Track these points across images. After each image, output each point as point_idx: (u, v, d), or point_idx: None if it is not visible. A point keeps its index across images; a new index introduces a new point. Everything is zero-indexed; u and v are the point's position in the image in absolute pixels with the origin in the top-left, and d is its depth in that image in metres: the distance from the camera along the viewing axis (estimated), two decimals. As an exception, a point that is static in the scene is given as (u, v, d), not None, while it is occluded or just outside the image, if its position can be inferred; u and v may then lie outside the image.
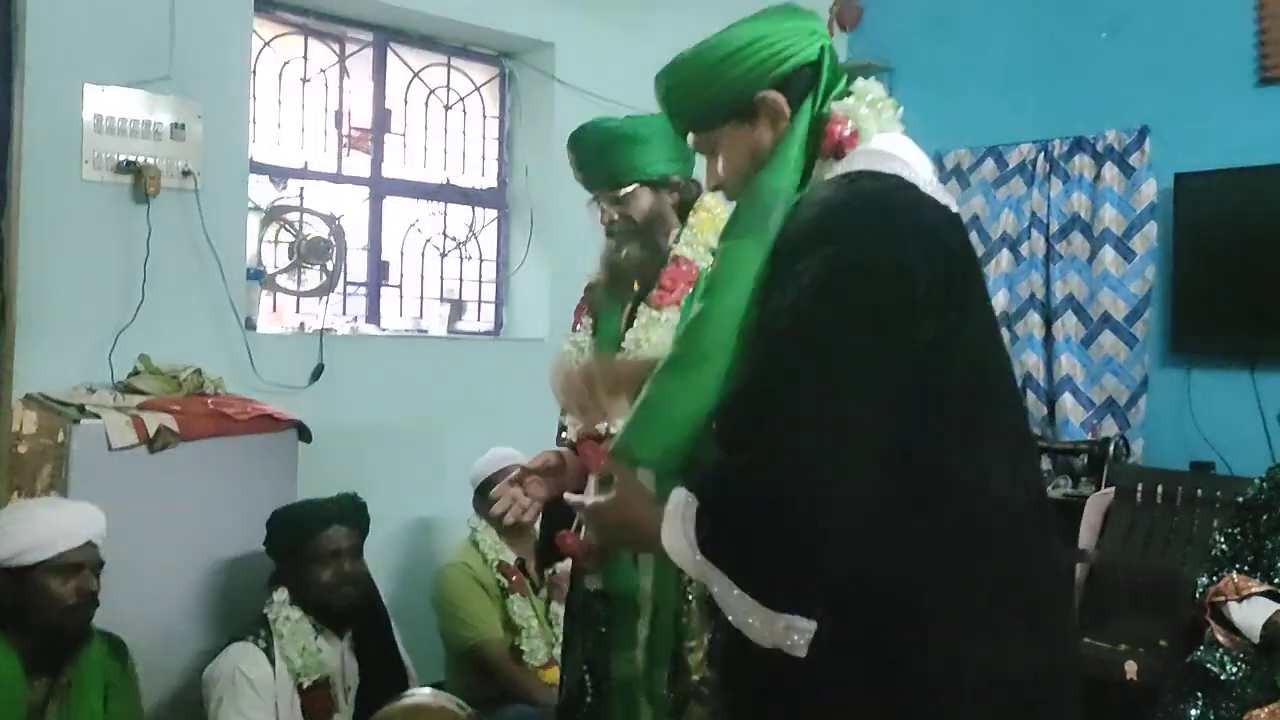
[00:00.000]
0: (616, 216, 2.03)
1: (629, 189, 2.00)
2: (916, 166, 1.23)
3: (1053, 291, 3.89)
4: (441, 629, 2.93)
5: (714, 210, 2.04)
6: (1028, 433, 1.37)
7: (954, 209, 1.25)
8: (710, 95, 1.32)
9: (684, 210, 2.05)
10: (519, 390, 3.63)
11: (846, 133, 1.26)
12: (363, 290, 3.60)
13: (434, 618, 2.96)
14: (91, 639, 2.12)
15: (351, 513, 2.54)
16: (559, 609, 2.94)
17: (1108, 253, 3.74)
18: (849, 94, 1.29)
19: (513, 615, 2.88)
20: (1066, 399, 3.79)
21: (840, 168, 1.23)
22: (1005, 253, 4.01)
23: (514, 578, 2.91)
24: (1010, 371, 1.28)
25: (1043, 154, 3.95)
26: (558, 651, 2.89)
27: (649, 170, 2.01)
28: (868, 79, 1.32)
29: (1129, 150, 3.72)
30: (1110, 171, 3.75)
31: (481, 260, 3.88)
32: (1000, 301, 4.00)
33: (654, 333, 1.95)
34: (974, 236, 4.13)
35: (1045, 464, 3.67)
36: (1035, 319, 3.92)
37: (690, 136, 1.39)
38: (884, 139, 1.26)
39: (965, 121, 4.25)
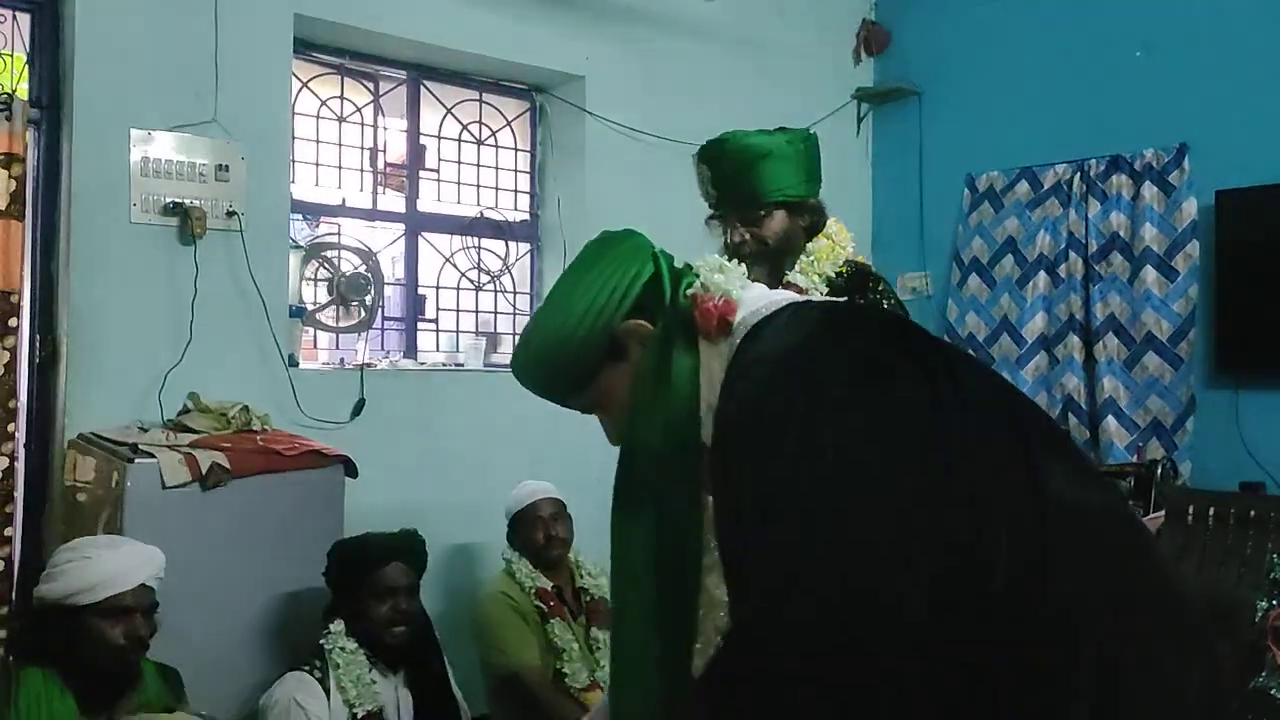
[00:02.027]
0: (748, 237, 1.94)
1: (766, 210, 1.91)
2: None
3: (1093, 313, 3.85)
4: (482, 658, 2.93)
5: (835, 238, 1.97)
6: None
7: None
8: (573, 361, 1.23)
9: (811, 235, 1.97)
10: (553, 421, 3.61)
11: (719, 302, 1.17)
12: (400, 325, 3.62)
13: (476, 648, 2.95)
14: (144, 675, 2.13)
15: (411, 550, 2.56)
16: (599, 634, 2.94)
17: (1149, 273, 3.71)
18: (695, 277, 1.23)
19: (554, 639, 2.87)
20: (1110, 421, 3.74)
21: (737, 337, 1.13)
22: (1042, 274, 3.99)
23: (552, 603, 2.92)
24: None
25: (1079, 174, 3.93)
26: (601, 674, 2.88)
27: (788, 191, 1.92)
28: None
29: (1168, 168, 3.70)
30: (1150, 190, 3.73)
31: (515, 293, 3.90)
32: (1039, 324, 3.98)
33: None
34: (1010, 258, 4.12)
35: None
36: (1075, 341, 3.88)
37: (573, 402, 1.31)
38: (749, 292, 1.20)
39: (996, 143, 4.25)
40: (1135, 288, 3.75)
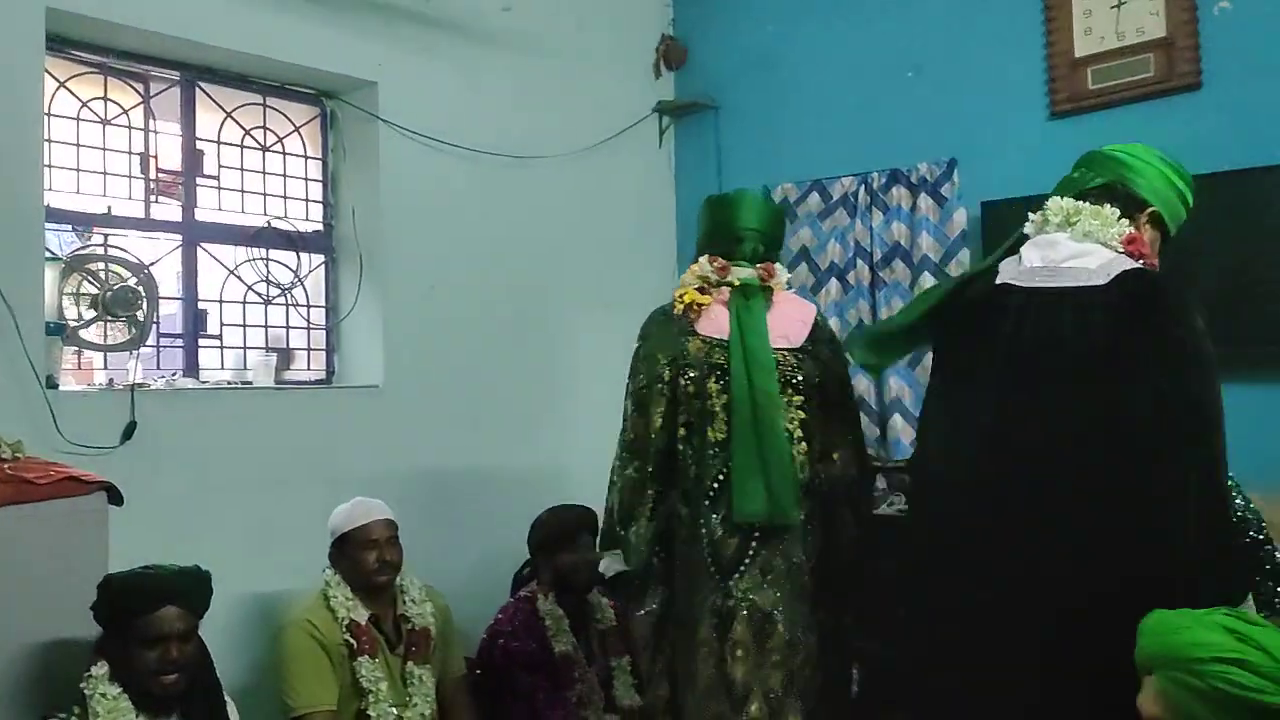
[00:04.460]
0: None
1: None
2: None
3: (879, 317, 4.04)
4: (279, 690, 2.77)
5: None
6: None
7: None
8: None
9: None
10: (354, 439, 3.52)
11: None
12: (180, 342, 3.40)
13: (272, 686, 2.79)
14: None
15: (190, 591, 2.34)
16: (416, 668, 2.83)
17: (927, 279, 3.92)
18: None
19: (360, 678, 2.74)
20: (896, 419, 3.93)
21: None
22: (834, 282, 4.16)
23: (364, 638, 2.78)
24: None
25: (864, 186, 4.13)
26: (410, 714, 2.77)
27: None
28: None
29: (940, 181, 3.93)
30: (925, 202, 3.95)
31: (309, 306, 3.74)
32: (832, 329, 4.13)
33: None
34: (804, 266, 4.28)
35: (880, 482, 3.78)
36: (864, 345, 4.06)
37: None
38: None
39: (789, 156, 4.41)
40: (915, 293, 3.96)
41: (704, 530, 2.43)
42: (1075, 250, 1.92)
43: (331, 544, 2.91)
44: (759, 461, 2.36)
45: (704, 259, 2.61)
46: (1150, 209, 2.01)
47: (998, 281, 2.00)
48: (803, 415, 2.48)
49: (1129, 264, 1.88)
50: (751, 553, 2.40)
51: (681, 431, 2.52)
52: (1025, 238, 2.06)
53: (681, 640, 2.48)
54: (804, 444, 2.47)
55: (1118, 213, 1.96)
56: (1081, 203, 1.98)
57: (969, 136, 3.88)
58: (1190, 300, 1.85)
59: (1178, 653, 1.43)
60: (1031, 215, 2.02)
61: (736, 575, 2.40)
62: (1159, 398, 1.75)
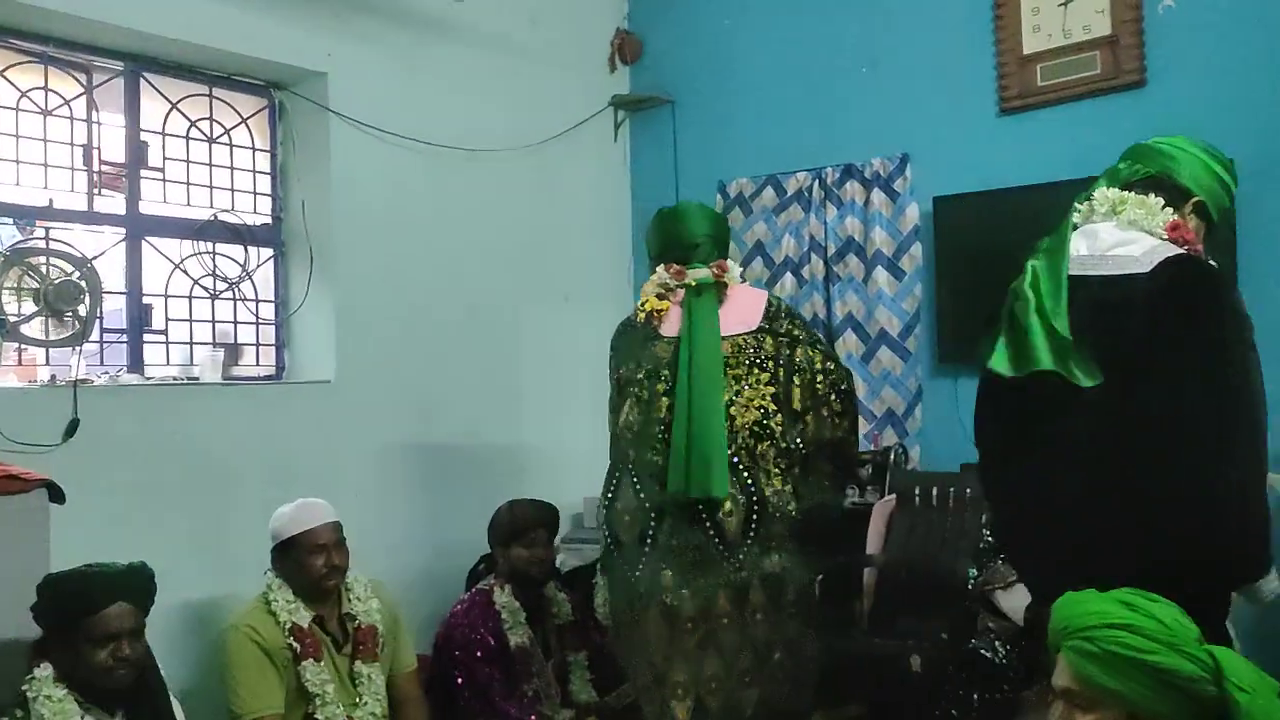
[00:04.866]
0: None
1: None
2: None
3: (834, 311, 4.07)
4: (226, 696, 2.72)
5: None
6: None
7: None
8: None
9: None
10: (305, 435, 3.47)
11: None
12: (124, 338, 3.33)
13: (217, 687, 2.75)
14: None
15: (138, 588, 2.31)
16: (364, 668, 2.80)
17: (881, 273, 3.96)
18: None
19: (305, 683, 2.70)
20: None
21: None
22: (789, 276, 4.18)
23: (307, 641, 2.73)
24: None
25: (818, 181, 4.15)
26: (359, 713, 2.75)
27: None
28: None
29: (893, 176, 3.97)
30: (878, 197, 3.98)
31: (258, 301, 3.68)
32: (785, 323, 4.16)
33: None
34: (759, 262, 4.29)
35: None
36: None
37: None
38: None
39: (745, 151, 4.42)
40: (869, 288, 4.00)
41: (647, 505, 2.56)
42: (1120, 239, 1.97)
43: (274, 548, 2.83)
44: (686, 438, 2.45)
45: (660, 268, 2.74)
46: (1195, 199, 2.06)
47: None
48: (772, 389, 2.57)
49: (1173, 250, 1.93)
50: (666, 528, 2.51)
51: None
52: (1075, 227, 2.10)
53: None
54: (778, 415, 2.56)
55: (1162, 202, 2.02)
56: (1127, 192, 2.03)
57: (921, 132, 3.92)
58: (1229, 286, 1.93)
59: (1076, 623, 1.52)
60: (1078, 205, 2.07)
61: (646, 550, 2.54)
62: (1198, 382, 1.80)
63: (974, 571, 2.77)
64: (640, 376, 2.63)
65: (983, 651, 2.58)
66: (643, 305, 2.73)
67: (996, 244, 3.70)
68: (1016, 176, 3.62)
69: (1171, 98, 3.38)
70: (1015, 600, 2.61)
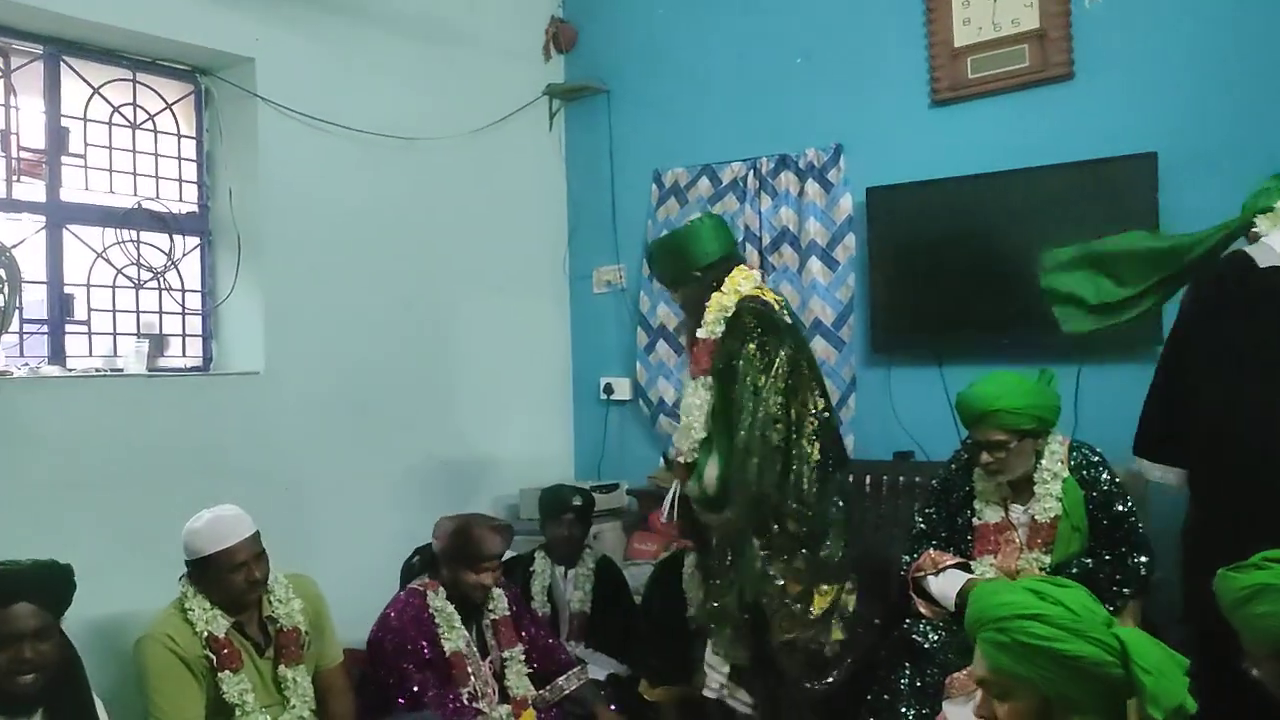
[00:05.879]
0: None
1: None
2: None
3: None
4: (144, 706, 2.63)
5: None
6: None
7: None
8: None
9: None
10: (233, 428, 3.40)
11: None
12: (45, 329, 3.23)
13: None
14: None
15: (45, 586, 2.20)
16: (288, 671, 2.72)
17: (815, 263, 3.99)
18: None
19: (224, 694, 2.60)
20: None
21: None
22: (724, 266, 4.19)
23: (224, 652, 2.61)
24: None
25: (753, 171, 4.17)
26: (285, 717, 2.67)
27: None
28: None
29: (827, 167, 4.00)
30: (812, 187, 4.01)
31: (184, 290, 3.59)
32: (722, 312, 4.17)
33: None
34: (695, 251, 4.30)
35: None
36: (754, 327, 4.11)
37: None
38: None
39: (680, 141, 4.43)
40: (804, 277, 4.03)
41: None
42: None
43: (190, 565, 2.66)
44: None
45: (741, 268, 2.93)
46: None
47: (1264, 265, 2.17)
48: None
49: None
50: None
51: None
52: (1248, 228, 2.29)
53: None
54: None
55: None
56: None
57: (855, 123, 3.96)
58: None
59: (987, 614, 1.57)
60: (1262, 215, 2.27)
61: None
62: None
63: (906, 557, 2.82)
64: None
65: (914, 636, 2.62)
66: (762, 294, 2.89)
67: (929, 234, 3.81)
68: (948, 167, 3.68)
69: (1098, 91, 3.46)
70: (947, 585, 2.66)
